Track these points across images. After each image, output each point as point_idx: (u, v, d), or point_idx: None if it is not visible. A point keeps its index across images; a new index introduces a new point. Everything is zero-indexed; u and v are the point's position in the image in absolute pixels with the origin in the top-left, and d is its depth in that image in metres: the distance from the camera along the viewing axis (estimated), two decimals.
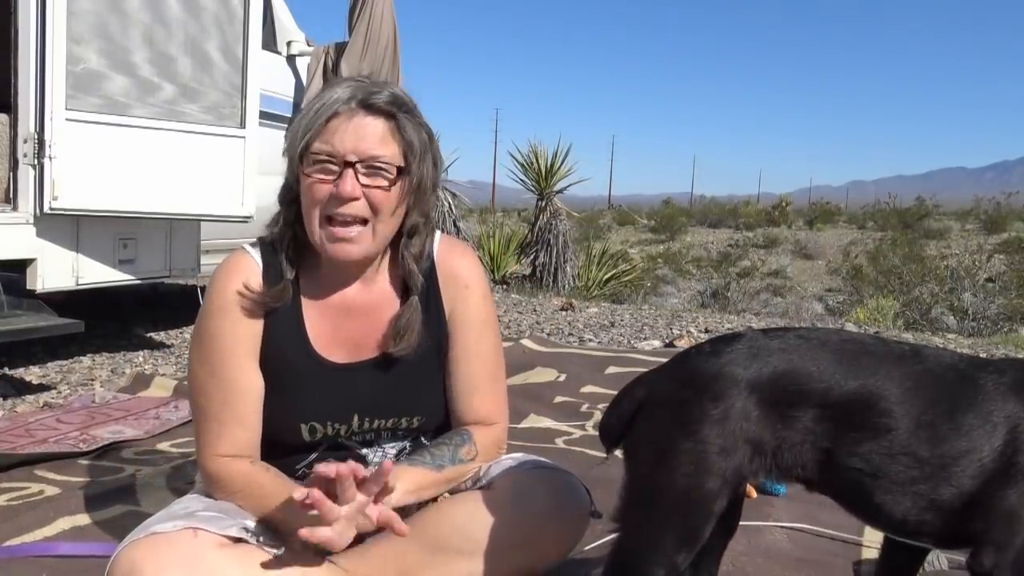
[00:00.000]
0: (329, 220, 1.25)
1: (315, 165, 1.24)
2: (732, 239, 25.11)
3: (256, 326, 1.30)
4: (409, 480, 1.24)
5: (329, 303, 1.35)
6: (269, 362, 1.30)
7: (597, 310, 6.33)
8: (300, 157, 1.25)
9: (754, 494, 2.13)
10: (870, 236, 24.07)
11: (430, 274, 1.38)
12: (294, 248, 1.33)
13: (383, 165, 1.24)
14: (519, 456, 1.42)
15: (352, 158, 1.23)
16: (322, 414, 1.32)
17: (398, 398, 1.36)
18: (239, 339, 1.28)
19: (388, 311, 1.36)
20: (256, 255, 1.33)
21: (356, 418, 1.34)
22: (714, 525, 1.16)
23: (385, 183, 1.25)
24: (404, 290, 1.37)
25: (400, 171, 1.27)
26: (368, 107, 1.24)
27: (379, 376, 1.35)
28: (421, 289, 1.36)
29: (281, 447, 1.33)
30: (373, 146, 1.24)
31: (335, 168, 1.23)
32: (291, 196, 1.32)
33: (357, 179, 1.23)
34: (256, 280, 1.30)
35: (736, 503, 1.26)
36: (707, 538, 1.17)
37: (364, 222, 1.25)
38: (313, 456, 1.35)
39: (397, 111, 1.26)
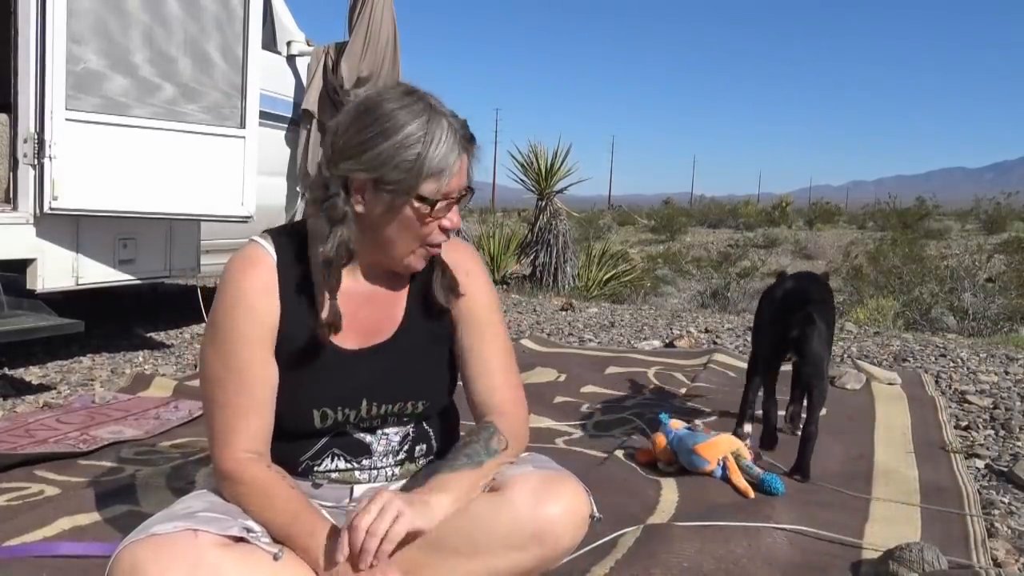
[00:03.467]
0: (430, 244, 1.33)
1: (430, 205, 1.28)
2: (732, 239, 25.09)
3: (272, 316, 1.31)
4: (456, 487, 1.26)
5: (347, 292, 1.36)
6: (284, 349, 1.32)
7: (597, 310, 6.33)
8: (410, 192, 1.27)
9: (751, 494, 2.13)
10: (870, 236, 24.06)
11: (433, 267, 1.42)
12: (347, 254, 1.32)
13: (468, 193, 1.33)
14: (520, 457, 1.42)
15: (461, 194, 1.31)
16: (334, 400, 1.34)
17: (404, 382, 1.38)
18: (254, 329, 1.30)
19: (397, 297, 1.40)
20: (268, 246, 1.34)
21: (365, 403, 1.36)
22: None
23: (462, 205, 1.34)
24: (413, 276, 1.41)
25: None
26: (464, 149, 1.30)
27: (386, 361, 1.37)
28: (425, 280, 1.41)
29: (289, 434, 1.34)
30: (468, 179, 1.33)
31: (448, 203, 1.30)
32: (347, 212, 1.29)
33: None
34: (271, 271, 1.32)
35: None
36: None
37: None
38: (318, 446, 1.36)
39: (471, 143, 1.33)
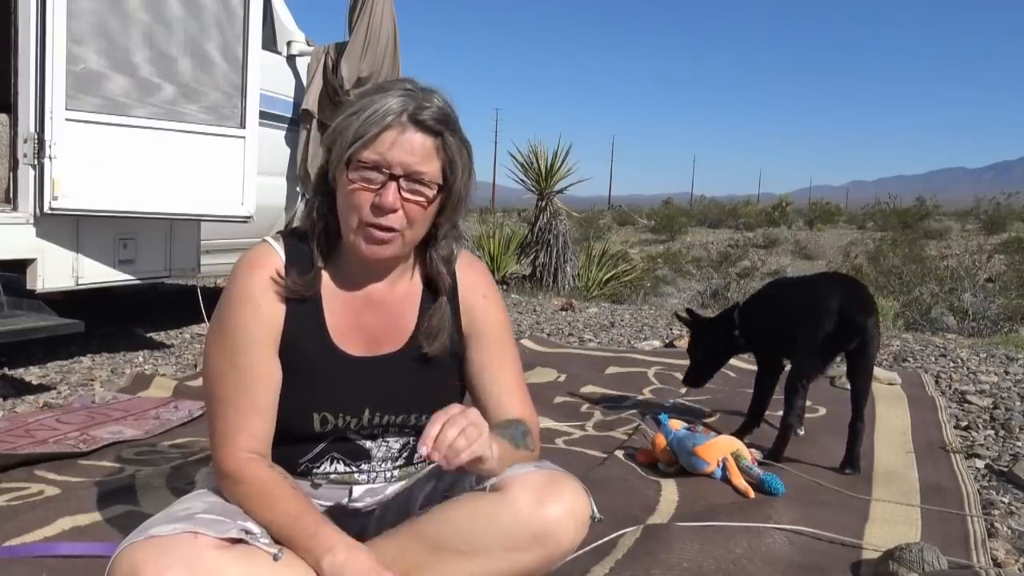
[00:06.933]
0: (365, 223, 1.28)
1: (360, 172, 1.26)
2: (732, 239, 25.07)
3: (277, 316, 1.31)
4: (499, 448, 1.27)
5: (351, 295, 1.37)
6: (287, 350, 1.32)
7: (597, 310, 6.33)
8: (346, 161, 1.27)
9: (752, 494, 2.13)
10: (870, 236, 24.03)
11: (453, 288, 1.42)
12: (325, 238, 1.35)
13: (425, 182, 1.28)
14: None
15: (398, 171, 1.25)
16: (335, 405, 1.34)
17: (410, 395, 1.38)
18: (259, 329, 1.30)
19: (409, 309, 1.40)
20: (279, 247, 1.35)
21: (367, 411, 1.36)
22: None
23: (424, 200, 1.28)
24: (428, 290, 1.41)
25: (439, 188, 1.30)
26: (418, 123, 1.26)
27: (393, 372, 1.37)
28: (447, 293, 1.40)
29: (289, 436, 1.34)
30: (418, 162, 1.26)
31: (379, 178, 1.26)
32: (326, 188, 1.34)
33: (399, 192, 1.26)
34: (279, 272, 1.32)
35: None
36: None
37: (395, 230, 1.29)
38: (317, 449, 1.36)
39: (444, 129, 1.29)
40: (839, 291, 2.43)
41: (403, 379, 1.37)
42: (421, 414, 1.38)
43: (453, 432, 1.15)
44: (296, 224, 1.40)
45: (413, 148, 1.26)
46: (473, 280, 1.45)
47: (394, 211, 1.26)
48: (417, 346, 1.37)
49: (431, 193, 1.28)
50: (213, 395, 1.32)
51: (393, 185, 1.25)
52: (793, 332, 2.46)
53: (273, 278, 1.31)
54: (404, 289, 1.40)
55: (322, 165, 1.34)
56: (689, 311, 2.95)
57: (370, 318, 1.37)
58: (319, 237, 1.35)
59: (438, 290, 1.40)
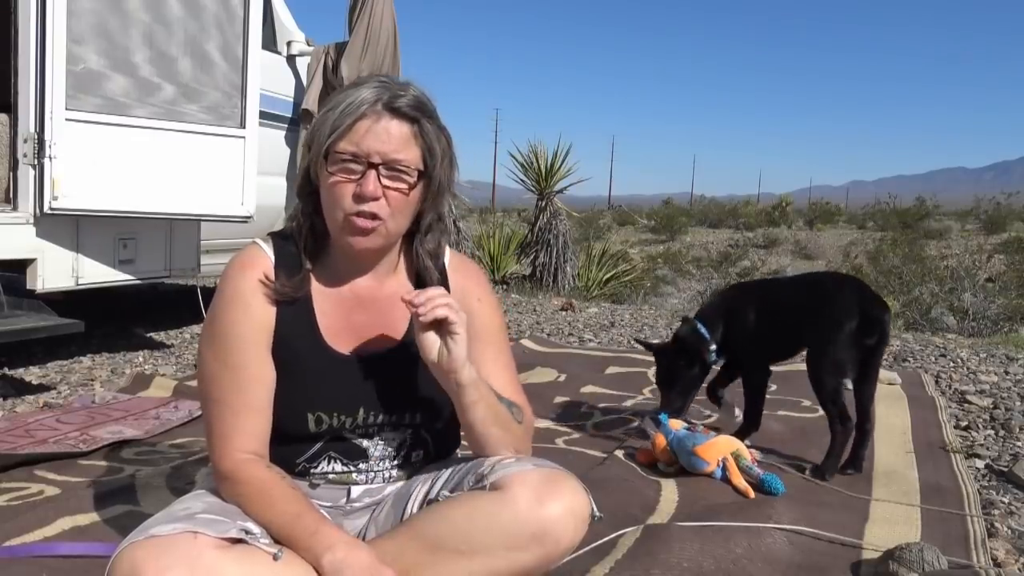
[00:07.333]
0: (349, 214, 1.28)
1: (339, 164, 1.27)
2: (732, 239, 25.06)
3: (268, 316, 1.32)
4: (483, 383, 1.33)
5: (341, 294, 1.38)
6: (280, 351, 1.33)
7: (597, 310, 6.33)
8: (324, 155, 1.27)
9: (752, 494, 2.13)
10: (870, 236, 24.03)
11: (442, 285, 1.43)
12: (312, 239, 1.36)
13: (404, 169, 1.28)
14: (519, 457, 1.42)
15: (376, 160, 1.26)
16: (329, 404, 1.35)
17: (404, 393, 1.39)
18: (251, 329, 1.31)
19: (399, 307, 1.39)
20: (268, 249, 1.36)
21: (362, 410, 1.36)
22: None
23: (405, 186, 1.29)
24: (417, 287, 1.42)
25: (420, 175, 1.30)
26: (393, 110, 1.27)
27: (386, 370, 1.38)
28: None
29: (285, 436, 1.34)
30: (396, 149, 1.27)
31: (358, 168, 1.26)
32: (310, 188, 1.35)
33: (379, 180, 1.26)
34: (269, 273, 1.33)
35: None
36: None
37: (380, 218, 1.29)
38: (314, 449, 1.37)
39: (420, 116, 1.29)
40: (852, 288, 2.41)
41: (397, 377, 1.38)
42: (416, 412, 1.39)
43: (435, 291, 1.25)
44: (287, 223, 1.42)
45: (389, 136, 1.27)
46: (465, 283, 1.46)
47: (375, 199, 1.26)
48: (409, 344, 1.38)
49: (411, 180, 1.29)
50: (208, 395, 1.32)
51: (372, 173, 1.26)
52: (800, 332, 2.43)
53: (262, 280, 1.32)
54: (393, 288, 1.41)
55: (305, 165, 1.35)
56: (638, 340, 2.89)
57: (361, 317, 1.38)
58: (306, 238, 1.35)
59: (426, 285, 1.40)
